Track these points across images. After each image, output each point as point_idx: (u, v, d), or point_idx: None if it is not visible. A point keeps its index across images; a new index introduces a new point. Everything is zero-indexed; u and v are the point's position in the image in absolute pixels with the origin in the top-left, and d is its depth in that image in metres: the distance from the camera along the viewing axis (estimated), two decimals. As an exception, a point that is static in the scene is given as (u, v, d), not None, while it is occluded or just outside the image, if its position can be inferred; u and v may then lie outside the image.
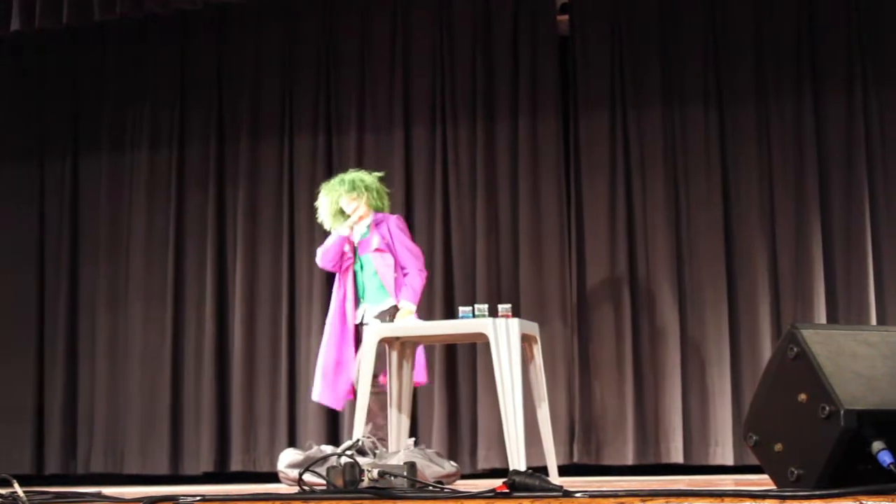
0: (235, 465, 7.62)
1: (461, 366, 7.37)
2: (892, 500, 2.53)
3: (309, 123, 7.87)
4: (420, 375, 5.92)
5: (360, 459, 4.07)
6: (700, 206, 7.20)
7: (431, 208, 7.56)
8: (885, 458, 2.81)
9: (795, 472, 2.98)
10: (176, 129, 8.07)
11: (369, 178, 6.17)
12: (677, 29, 7.37)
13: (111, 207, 8.14)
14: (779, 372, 3.10)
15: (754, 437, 3.14)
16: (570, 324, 7.24)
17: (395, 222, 6.08)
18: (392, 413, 5.72)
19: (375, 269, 6.00)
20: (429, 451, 5.28)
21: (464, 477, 5.76)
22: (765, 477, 3.15)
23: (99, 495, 3.53)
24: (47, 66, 8.36)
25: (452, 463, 5.27)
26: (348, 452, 4.21)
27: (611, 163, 7.34)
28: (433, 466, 5.03)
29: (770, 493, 2.68)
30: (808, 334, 3.05)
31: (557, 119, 7.47)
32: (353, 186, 6.10)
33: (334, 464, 3.41)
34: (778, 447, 3.06)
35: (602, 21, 7.46)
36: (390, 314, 5.90)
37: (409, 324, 5.76)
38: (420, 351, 5.90)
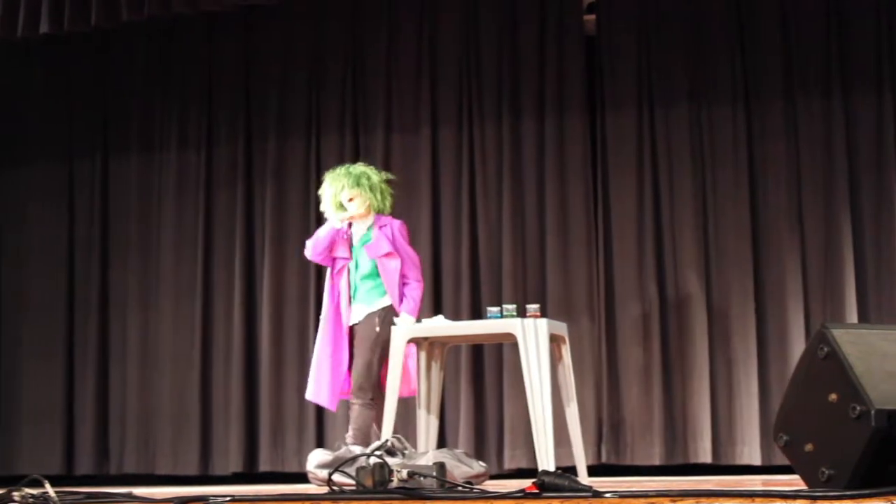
0: (264, 466, 7.63)
1: (487, 366, 7.36)
2: (925, 501, 2.52)
3: (336, 122, 7.88)
4: (410, 385, 5.82)
5: (390, 460, 4.07)
6: (728, 206, 7.17)
7: (458, 208, 7.56)
8: (917, 458, 2.81)
9: (826, 472, 2.97)
10: (204, 128, 8.11)
11: (376, 176, 6.02)
12: (704, 28, 7.34)
13: (140, 207, 8.17)
14: (809, 372, 3.09)
15: (785, 438, 3.14)
16: (597, 323, 7.23)
17: (399, 228, 5.97)
18: (421, 414, 5.73)
19: (381, 272, 5.88)
20: (457, 451, 5.29)
21: (491, 477, 5.76)
22: (793, 477, 3.14)
23: (129, 496, 3.54)
24: (77, 67, 8.41)
25: (481, 463, 5.28)
26: (377, 453, 4.22)
27: (638, 163, 7.32)
28: (462, 467, 5.04)
29: (801, 494, 2.68)
30: (839, 334, 3.04)
31: (584, 119, 7.45)
32: (357, 182, 5.93)
33: (363, 464, 3.43)
34: (808, 447, 3.05)
35: (629, 20, 7.44)
36: (379, 315, 5.84)
37: (439, 324, 5.75)
38: (411, 363, 5.82)
